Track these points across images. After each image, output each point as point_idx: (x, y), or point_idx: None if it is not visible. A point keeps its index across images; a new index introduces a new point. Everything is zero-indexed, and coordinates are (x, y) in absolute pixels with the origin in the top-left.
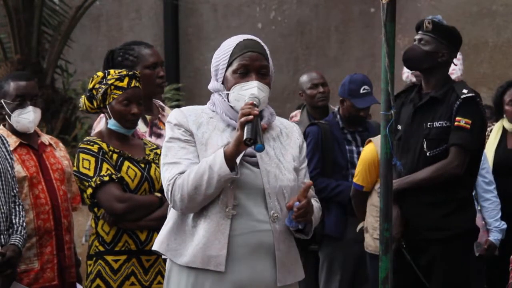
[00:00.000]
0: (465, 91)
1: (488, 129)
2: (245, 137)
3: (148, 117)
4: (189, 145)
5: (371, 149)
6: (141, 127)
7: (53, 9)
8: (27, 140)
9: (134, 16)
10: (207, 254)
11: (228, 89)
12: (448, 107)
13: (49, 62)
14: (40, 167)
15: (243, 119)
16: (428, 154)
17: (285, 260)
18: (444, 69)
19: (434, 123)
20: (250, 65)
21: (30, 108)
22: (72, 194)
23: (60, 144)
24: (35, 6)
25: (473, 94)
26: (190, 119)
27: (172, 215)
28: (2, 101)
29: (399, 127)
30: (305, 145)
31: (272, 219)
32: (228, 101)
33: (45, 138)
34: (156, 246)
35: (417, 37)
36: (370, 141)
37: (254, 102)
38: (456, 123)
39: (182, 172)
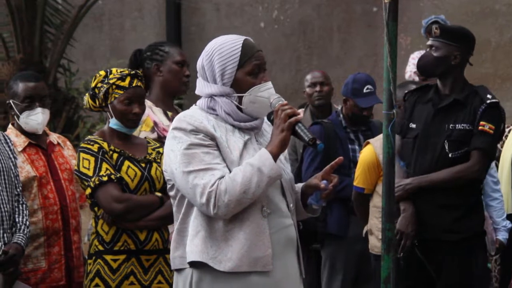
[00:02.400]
0: (489, 96)
1: (507, 129)
2: (307, 138)
3: (169, 113)
4: (212, 149)
5: (370, 151)
6: (164, 121)
7: (55, 8)
8: (36, 140)
9: (137, 15)
10: (253, 256)
11: (241, 91)
12: (471, 111)
13: (51, 61)
14: (49, 167)
15: (293, 119)
16: (450, 155)
17: (301, 253)
18: (459, 70)
19: (457, 125)
20: (262, 64)
21: (39, 109)
22: (79, 193)
23: (68, 143)
24: (38, 5)
25: (497, 100)
26: (205, 123)
27: (199, 223)
28: (11, 101)
29: (413, 125)
30: None
31: (292, 213)
32: (240, 104)
33: (53, 137)
34: (196, 256)
35: (428, 43)
36: (368, 142)
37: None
38: (480, 127)
39: (221, 177)
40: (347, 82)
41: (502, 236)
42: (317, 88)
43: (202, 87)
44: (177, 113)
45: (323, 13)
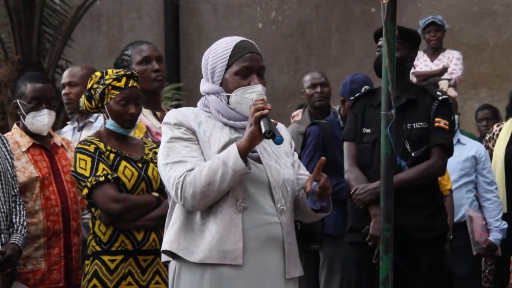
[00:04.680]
0: (439, 93)
1: (497, 128)
2: (264, 130)
3: (158, 113)
4: (191, 143)
5: None
6: (155, 123)
7: (53, 9)
8: (40, 141)
9: (135, 16)
10: (222, 249)
11: (229, 91)
12: (424, 109)
13: (49, 62)
14: (52, 168)
15: (258, 113)
16: (413, 155)
17: (292, 253)
18: (409, 71)
19: (414, 124)
20: (251, 66)
21: (45, 111)
22: (81, 195)
23: (72, 145)
24: (36, 6)
25: (446, 96)
26: (190, 118)
27: (178, 214)
28: (18, 101)
29: (367, 130)
30: (292, 141)
31: (279, 212)
32: (228, 103)
33: (57, 139)
34: (167, 246)
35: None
36: None
37: (264, 98)
38: (436, 124)
39: (191, 170)
40: (345, 83)
41: (494, 236)
42: (318, 89)
43: (201, 85)
44: (164, 112)
45: (321, 13)
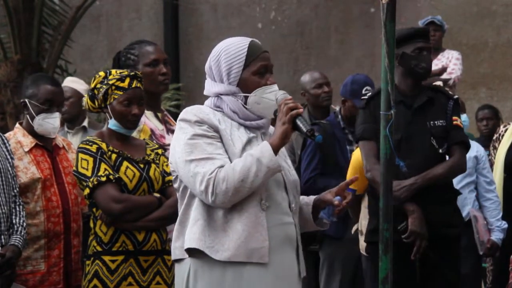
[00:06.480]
0: (450, 92)
1: (503, 128)
2: (305, 129)
3: (159, 114)
4: (215, 141)
5: (360, 154)
6: (158, 125)
7: (53, 9)
8: (43, 141)
9: (134, 16)
10: (249, 247)
11: (247, 91)
12: (441, 107)
13: (49, 62)
14: (53, 169)
15: (293, 112)
16: (440, 151)
17: (302, 253)
18: None
19: (436, 122)
20: (268, 65)
21: (57, 114)
22: (82, 196)
23: (73, 147)
24: (35, 6)
25: (458, 96)
26: (211, 116)
27: (199, 212)
28: (26, 101)
29: None
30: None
31: (293, 212)
32: (245, 103)
33: (59, 140)
34: (193, 244)
35: (426, 45)
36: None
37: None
38: (454, 123)
39: (221, 167)
40: (346, 83)
41: (496, 236)
42: (325, 89)
43: (209, 86)
44: (164, 113)
45: (320, 13)
